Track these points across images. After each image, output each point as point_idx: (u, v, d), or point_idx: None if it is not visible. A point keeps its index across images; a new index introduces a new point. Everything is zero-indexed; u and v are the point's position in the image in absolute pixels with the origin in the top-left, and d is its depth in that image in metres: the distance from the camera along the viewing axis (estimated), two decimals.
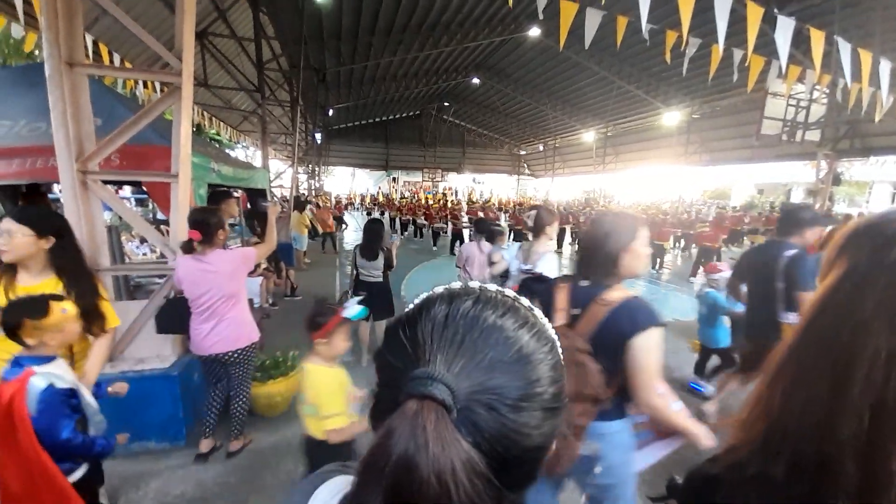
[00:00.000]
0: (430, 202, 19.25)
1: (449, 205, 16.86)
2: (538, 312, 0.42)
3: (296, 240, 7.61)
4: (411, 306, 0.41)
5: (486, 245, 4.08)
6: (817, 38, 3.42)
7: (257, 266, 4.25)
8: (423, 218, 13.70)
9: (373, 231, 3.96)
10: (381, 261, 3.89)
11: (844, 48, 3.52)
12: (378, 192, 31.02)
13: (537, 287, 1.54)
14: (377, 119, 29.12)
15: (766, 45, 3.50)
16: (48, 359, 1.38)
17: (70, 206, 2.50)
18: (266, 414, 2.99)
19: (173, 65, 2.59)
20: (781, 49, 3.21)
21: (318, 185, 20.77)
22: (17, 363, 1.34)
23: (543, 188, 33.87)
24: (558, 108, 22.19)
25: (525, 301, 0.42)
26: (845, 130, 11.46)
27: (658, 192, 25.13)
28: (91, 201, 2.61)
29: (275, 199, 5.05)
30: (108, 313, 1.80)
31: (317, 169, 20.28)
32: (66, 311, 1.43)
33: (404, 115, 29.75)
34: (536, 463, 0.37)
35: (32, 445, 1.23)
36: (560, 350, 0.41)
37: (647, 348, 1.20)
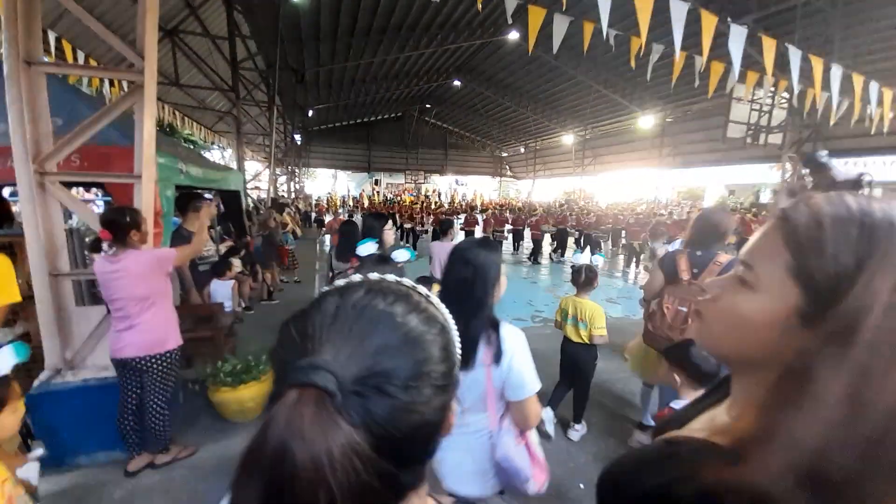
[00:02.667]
0: (413, 203, 19.25)
1: (433, 206, 16.91)
2: (434, 299, 0.44)
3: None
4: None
5: (448, 243, 4.09)
6: (769, 45, 3.62)
7: (230, 269, 4.18)
8: (408, 220, 13.56)
9: (348, 233, 3.96)
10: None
11: (795, 54, 3.73)
12: (361, 195, 30.76)
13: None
14: (359, 120, 28.89)
15: (727, 52, 3.67)
16: None
17: (27, 209, 2.41)
18: (238, 419, 2.94)
19: (135, 63, 2.54)
20: (735, 55, 3.38)
21: (297, 186, 20.46)
22: None
23: (525, 189, 34.26)
24: (538, 110, 22.53)
25: (422, 290, 0.44)
26: (808, 134, 12.05)
27: (635, 192, 25.75)
28: (49, 203, 2.53)
29: (210, 198, 4.94)
30: None
31: (296, 170, 19.98)
32: None
33: (386, 116, 29.62)
34: (431, 439, 0.39)
35: None
36: (455, 334, 0.43)
37: None
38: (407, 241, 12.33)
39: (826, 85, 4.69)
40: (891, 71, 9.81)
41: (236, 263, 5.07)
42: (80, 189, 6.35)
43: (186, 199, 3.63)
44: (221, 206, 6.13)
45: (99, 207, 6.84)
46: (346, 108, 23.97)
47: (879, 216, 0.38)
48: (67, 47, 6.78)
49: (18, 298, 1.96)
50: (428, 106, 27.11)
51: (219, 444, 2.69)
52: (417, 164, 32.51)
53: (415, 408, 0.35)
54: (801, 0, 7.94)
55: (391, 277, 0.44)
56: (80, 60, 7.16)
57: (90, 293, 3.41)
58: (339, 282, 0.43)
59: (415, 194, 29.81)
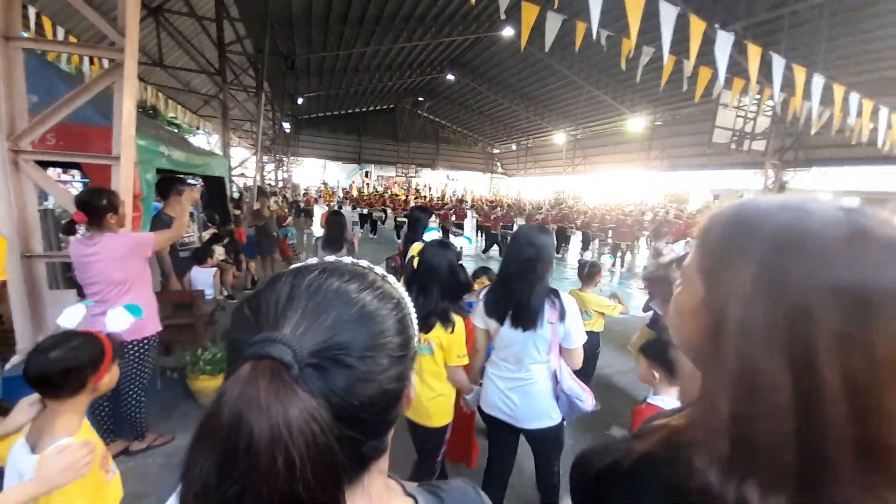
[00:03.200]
0: (402, 196, 19.14)
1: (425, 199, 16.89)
2: (391, 279, 0.46)
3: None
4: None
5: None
6: (754, 52, 3.70)
7: (211, 256, 4.11)
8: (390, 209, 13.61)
9: (335, 223, 3.95)
10: (344, 252, 3.90)
11: (778, 62, 3.82)
12: (350, 186, 30.43)
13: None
14: (350, 111, 28.49)
15: (714, 58, 3.73)
16: None
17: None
18: None
19: (115, 40, 2.46)
20: (721, 61, 3.45)
21: (285, 175, 20.13)
22: None
23: (516, 187, 34.39)
24: (531, 108, 22.56)
25: (379, 270, 0.46)
26: (790, 142, 12.35)
27: (624, 194, 26.11)
28: (23, 182, 2.44)
29: (194, 183, 4.82)
30: None
31: (284, 159, 19.64)
32: None
33: (378, 107, 29.29)
34: (390, 407, 0.40)
35: None
36: (412, 310, 0.45)
37: None
38: (398, 236, 12.28)
39: (808, 94, 4.82)
40: (875, 83, 10.12)
41: (219, 251, 4.99)
42: (58, 170, 6.14)
43: (168, 183, 3.55)
44: (205, 192, 6.00)
45: (76, 190, 6.63)
46: (338, 98, 23.61)
47: (751, 212, 0.41)
48: (47, 23, 6.53)
49: (4, 276, 1.92)
50: (421, 99, 26.89)
51: None
52: (409, 157, 32.28)
53: (372, 377, 0.36)
54: (788, 10, 8.09)
55: (347, 259, 0.45)
56: (60, 37, 6.90)
57: (65, 277, 3.32)
58: (295, 265, 0.44)
59: (405, 188, 29.64)
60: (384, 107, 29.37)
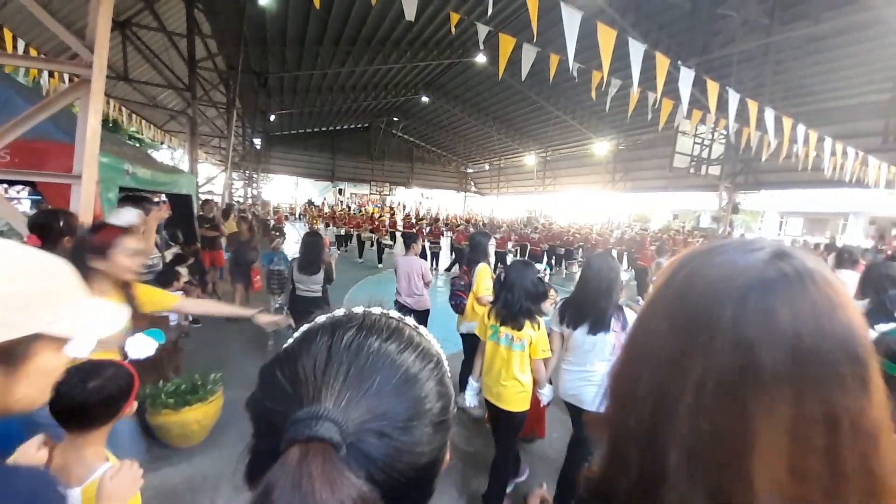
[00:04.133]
0: (376, 215, 18.94)
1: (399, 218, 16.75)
2: (423, 330, 0.43)
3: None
4: (290, 341, 0.39)
5: (412, 258, 3.92)
6: (713, 88, 4.02)
7: (177, 279, 3.89)
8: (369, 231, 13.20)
9: (312, 245, 3.83)
10: (321, 275, 3.78)
11: (734, 97, 4.16)
12: (322, 204, 29.94)
13: None
14: (323, 128, 28.34)
15: (676, 90, 4.01)
16: None
17: None
18: (180, 444, 2.70)
19: (83, 55, 2.35)
20: (683, 94, 3.72)
21: (255, 192, 19.59)
22: None
23: (489, 206, 35.02)
24: (502, 130, 23.26)
25: (410, 321, 0.43)
26: (741, 167, 13.32)
27: (591, 213, 27.14)
28: None
29: (159, 202, 4.57)
30: None
31: (255, 175, 19.17)
32: None
33: (352, 126, 29.31)
34: (432, 478, 0.37)
35: None
36: (446, 366, 0.42)
37: None
38: (380, 260, 12.02)
39: (759, 125, 5.24)
40: (815, 113, 11.16)
41: (183, 273, 4.73)
42: (3, 186, 5.70)
43: (131, 202, 3.37)
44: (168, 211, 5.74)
45: (23, 206, 6.17)
46: (311, 116, 23.46)
47: (678, 259, 0.47)
48: (7, 35, 6.23)
49: None
50: (395, 119, 27.15)
51: (157, 472, 2.44)
52: (383, 175, 32.28)
53: (415, 448, 0.34)
54: (737, 48, 8.86)
55: (377, 310, 0.42)
56: (21, 49, 6.57)
57: None
58: (321, 318, 0.41)
59: (379, 206, 29.50)
60: (358, 125, 29.42)
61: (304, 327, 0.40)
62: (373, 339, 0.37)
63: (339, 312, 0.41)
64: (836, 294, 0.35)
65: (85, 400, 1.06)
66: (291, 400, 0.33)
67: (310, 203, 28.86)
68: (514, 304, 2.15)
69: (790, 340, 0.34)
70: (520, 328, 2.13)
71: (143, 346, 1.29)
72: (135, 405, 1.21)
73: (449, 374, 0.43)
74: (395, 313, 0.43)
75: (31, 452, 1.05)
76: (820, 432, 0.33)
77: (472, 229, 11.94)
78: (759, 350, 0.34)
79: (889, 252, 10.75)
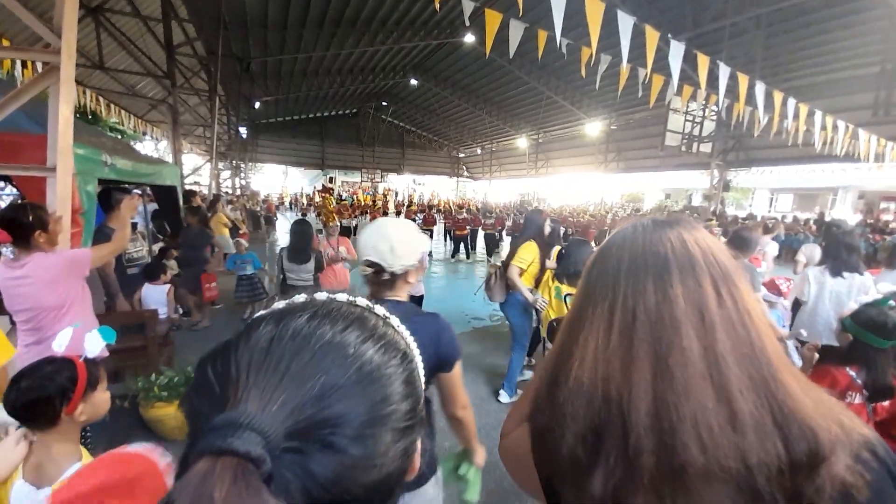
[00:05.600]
0: (377, 202, 18.72)
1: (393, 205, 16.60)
2: (395, 321, 0.39)
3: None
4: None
5: None
6: (703, 62, 3.96)
7: (164, 272, 3.83)
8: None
9: (301, 233, 3.80)
10: (311, 264, 3.76)
11: (724, 71, 4.11)
12: (314, 192, 29.53)
13: None
14: (311, 115, 27.77)
15: (667, 66, 3.95)
16: None
17: None
18: (175, 437, 2.70)
19: (51, 42, 2.24)
20: (674, 69, 3.66)
21: (243, 182, 19.28)
22: None
23: (482, 190, 34.85)
24: (493, 113, 22.96)
25: (380, 310, 0.38)
26: (732, 144, 13.32)
27: (584, 195, 27.14)
28: None
29: (139, 192, 4.41)
30: None
31: (242, 165, 18.82)
32: None
33: (341, 112, 28.76)
34: (393, 493, 0.32)
35: None
36: (419, 360, 0.38)
37: None
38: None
39: (750, 100, 5.20)
40: (806, 87, 11.12)
41: (171, 265, 4.67)
42: None
43: (111, 194, 3.28)
44: (145, 203, 5.55)
45: (4, 201, 6.00)
46: (298, 102, 22.94)
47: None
48: None
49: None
50: (384, 104, 26.67)
51: None
52: (374, 162, 31.90)
53: (371, 461, 0.29)
54: (729, 21, 8.74)
55: (342, 296, 0.37)
56: None
57: None
58: (279, 303, 0.36)
59: (371, 193, 29.21)
60: (347, 111, 28.88)
61: (256, 314, 0.35)
62: (326, 328, 0.32)
63: (299, 298, 0.36)
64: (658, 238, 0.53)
65: (15, 398, 1.03)
66: (217, 401, 0.28)
67: (323, 189, 27.57)
68: (571, 268, 2.85)
69: (612, 268, 0.54)
70: (574, 283, 2.64)
71: (97, 344, 1.23)
72: (92, 409, 1.15)
73: (420, 370, 0.38)
74: (363, 301, 0.38)
75: (9, 447, 1.05)
76: (626, 324, 0.49)
77: (465, 215, 11.90)
78: (597, 279, 0.56)
79: (873, 223, 10.90)
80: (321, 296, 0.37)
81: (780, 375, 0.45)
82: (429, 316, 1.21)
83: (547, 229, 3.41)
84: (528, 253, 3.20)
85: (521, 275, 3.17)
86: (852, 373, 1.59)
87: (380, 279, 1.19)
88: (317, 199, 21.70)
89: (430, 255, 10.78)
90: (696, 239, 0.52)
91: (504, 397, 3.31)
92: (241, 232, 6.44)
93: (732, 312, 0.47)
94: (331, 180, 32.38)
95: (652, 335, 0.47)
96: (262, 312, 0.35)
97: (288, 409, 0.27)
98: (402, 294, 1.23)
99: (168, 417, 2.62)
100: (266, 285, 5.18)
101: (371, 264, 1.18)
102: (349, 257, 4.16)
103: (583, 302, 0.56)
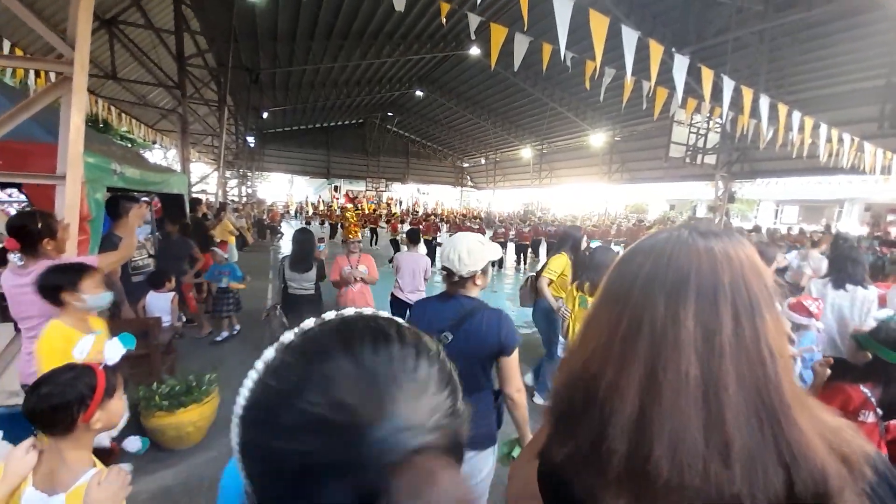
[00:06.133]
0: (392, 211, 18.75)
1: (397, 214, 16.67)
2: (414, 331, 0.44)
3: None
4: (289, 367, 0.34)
5: (418, 254, 4.11)
6: (707, 76, 3.98)
7: (169, 280, 3.84)
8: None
9: (304, 241, 3.80)
10: (313, 272, 3.75)
11: (728, 85, 4.12)
12: (319, 201, 29.78)
13: None
14: (318, 125, 28.13)
15: (671, 79, 3.97)
16: None
17: None
18: (175, 446, 2.67)
19: (64, 52, 2.29)
20: (678, 82, 3.68)
21: (250, 190, 19.46)
22: None
23: (485, 200, 34.96)
24: (498, 124, 23.15)
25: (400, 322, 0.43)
26: (737, 156, 13.30)
27: (588, 205, 27.15)
28: None
29: (147, 200, 4.37)
30: None
31: (249, 174, 19.03)
32: None
33: (346, 122, 29.11)
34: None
35: None
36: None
37: None
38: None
39: (754, 113, 5.20)
40: (811, 100, 11.12)
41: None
42: None
43: (119, 202, 3.31)
44: (153, 211, 5.58)
45: (15, 209, 6.09)
46: (305, 112, 23.28)
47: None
48: None
49: None
50: (390, 114, 26.98)
51: (154, 475, 2.43)
52: (379, 171, 32.14)
53: (462, 422, 0.37)
54: (732, 35, 8.80)
55: (382, 314, 0.41)
56: (7, 49, 6.46)
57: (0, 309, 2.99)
58: (330, 316, 0.41)
59: (375, 202, 29.39)
60: (353, 121, 29.23)
61: (316, 336, 0.38)
62: (406, 352, 0.36)
63: (349, 312, 0.40)
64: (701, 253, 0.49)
65: (34, 405, 1.05)
66: (341, 430, 0.30)
67: (351, 201, 27.56)
68: (595, 277, 2.78)
69: (631, 275, 0.52)
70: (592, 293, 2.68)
71: (116, 351, 1.25)
72: (108, 417, 1.16)
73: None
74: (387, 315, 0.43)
75: (18, 455, 1.05)
76: (629, 333, 0.49)
77: (469, 224, 11.92)
78: (615, 282, 0.55)
79: (882, 236, 10.78)
80: (366, 311, 0.41)
81: (792, 413, 0.44)
82: (494, 310, 1.52)
83: (583, 245, 3.55)
84: (558, 265, 3.38)
85: (549, 284, 3.38)
86: (866, 391, 1.55)
87: (452, 280, 1.56)
88: (335, 209, 21.45)
89: (493, 264, 10.73)
90: (731, 259, 0.48)
91: (538, 399, 3.43)
92: (219, 242, 6.20)
93: (750, 343, 0.45)
94: (336, 189, 32.62)
95: (651, 350, 0.47)
96: (336, 335, 0.37)
97: (420, 409, 0.33)
98: (472, 292, 1.57)
99: (169, 427, 2.60)
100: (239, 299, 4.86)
101: (445, 268, 1.56)
102: (369, 278, 3.69)
103: (598, 301, 0.57)
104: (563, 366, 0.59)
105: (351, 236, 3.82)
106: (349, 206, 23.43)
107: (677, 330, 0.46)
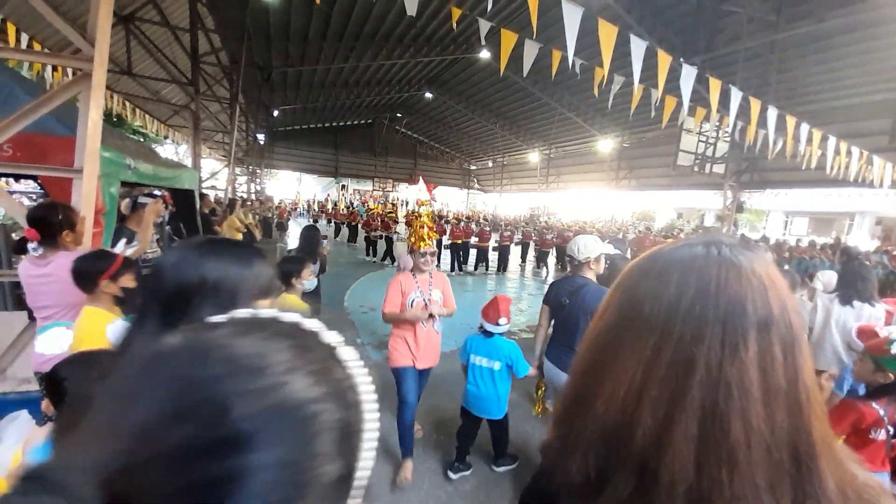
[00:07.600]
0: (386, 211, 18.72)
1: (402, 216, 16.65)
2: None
3: None
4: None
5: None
6: (715, 86, 3.99)
7: None
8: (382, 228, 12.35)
9: (310, 237, 3.92)
10: (316, 267, 3.87)
11: (736, 95, 4.13)
12: (326, 199, 29.97)
13: None
14: (327, 124, 28.33)
15: (679, 88, 3.98)
16: None
17: None
18: None
19: (84, 49, 2.36)
20: (685, 92, 3.70)
21: (259, 187, 19.63)
22: None
23: (492, 203, 34.95)
24: (506, 127, 23.17)
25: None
26: (746, 165, 13.21)
27: (595, 211, 27.04)
28: None
29: (159, 194, 4.46)
30: None
31: (258, 171, 19.21)
32: None
33: (356, 122, 29.29)
34: None
35: None
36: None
37: None
38: (373, 253, 12.01)
39: (762, 123, 5.20)
40: (821, 111, 11.03)
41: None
42: (10, 180, 5.75)
43: (131, 195, 3.38)
44: (170, 206, 5.72)
45: (33, 201, 6.22)
46: (315, 111, 23.47)
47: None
48: (11, 29, 6.27)
49: None
50: (399, 115, 27.11)
51: None
52: (386, 171, 32.28)
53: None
54: (743, 45, 8.77)
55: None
56: (24, 42, 6.62)
57: (14, 296, 3.07)
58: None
59: (382, 202, 29.51)
60: (362, 121, 29.40)
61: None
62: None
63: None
64: (735, 276, 0.42)
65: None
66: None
67: (390, 204, 25.80)
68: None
69: (668, 299, 0.42)
70: None
71: (55, 342, 1.25)
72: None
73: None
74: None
75: (6, 425, 1.09)
76: (674, 373, 0.40)
77: (473, 226, 11.94)
78: (643, 304, 0.44)
79: (892, 251, 10.64)
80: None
81: (818, 464, 0.39)
82: (597, 287, 2.24)
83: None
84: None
85: None
86: (879, 408, 1.56)
87: (573, 264, 2.33)
88: (340, 208, 20.64)
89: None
90: (776, 284, 0.42)
91: (550, 405, 3.44)
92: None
93: (791, 385, 0.39)
94: (343, 188, 32.80)
95: (709, 397, 0.39)
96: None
97: None
98: (588, 274, 2.31)
99: None
100: None
101: (568, 255, 2.34)
102: (444, 311, 2.56)
103: (615, 323, 0.47)
104: (568, 397, 0.50)
105: (423, 244, 2.52)
106: (416, 210, 22.48)
107: (741, 373, 0.38)
